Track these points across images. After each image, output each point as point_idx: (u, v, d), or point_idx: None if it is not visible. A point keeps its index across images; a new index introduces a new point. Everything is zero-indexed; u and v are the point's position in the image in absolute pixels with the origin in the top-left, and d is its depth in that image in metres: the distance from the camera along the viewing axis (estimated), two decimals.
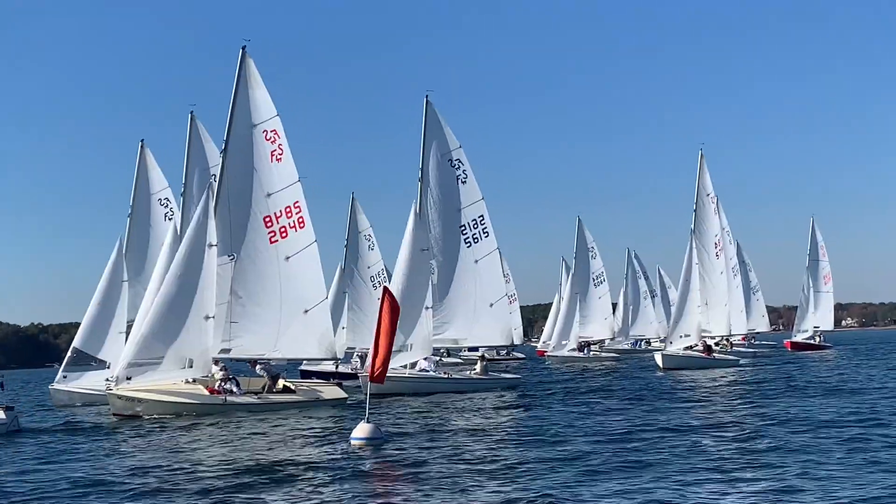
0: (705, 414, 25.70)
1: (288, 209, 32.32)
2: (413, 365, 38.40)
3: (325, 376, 46.81)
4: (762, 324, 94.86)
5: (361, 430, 20.88)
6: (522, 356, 79.81)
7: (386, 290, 22.07)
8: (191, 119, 37.82)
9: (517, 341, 78.24)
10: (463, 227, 41.45)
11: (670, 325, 53.01)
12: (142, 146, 39.30)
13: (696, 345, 52.76)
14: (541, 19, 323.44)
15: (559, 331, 68.72)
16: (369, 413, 21.58)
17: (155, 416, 28.83)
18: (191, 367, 30.13)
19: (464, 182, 41.60)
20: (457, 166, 41.55)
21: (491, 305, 41.49)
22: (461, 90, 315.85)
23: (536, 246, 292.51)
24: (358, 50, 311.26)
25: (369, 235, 53.09)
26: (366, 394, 22.78)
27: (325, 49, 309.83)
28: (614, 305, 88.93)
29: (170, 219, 38.00)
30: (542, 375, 51.67)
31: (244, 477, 16.52)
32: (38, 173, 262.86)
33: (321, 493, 14.93)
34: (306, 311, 32.59)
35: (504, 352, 79.04)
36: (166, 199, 38.76)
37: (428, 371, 38.62)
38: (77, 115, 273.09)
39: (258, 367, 32.08)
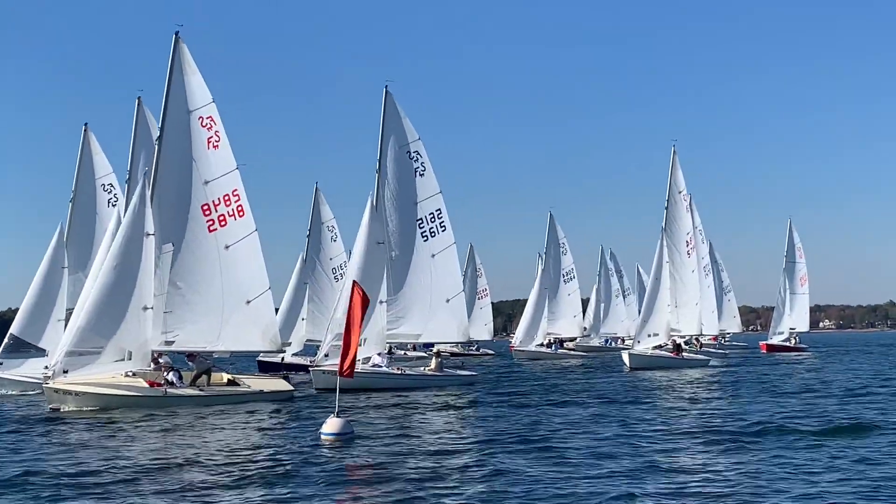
0: (638, 414, 25.36)
1: (226, 197, 31.70)
2: (366, 360, 37.64)
3: (284, 368, 46.47)
4: (734, 324, 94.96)
5: (331, 426, 20.65)
6: (492, 352, 79.47)
7: (355, 284, 22.00)
8: (137, 104, 37.02)
9: (487, 337, 77.79)
10: (420, 221, 40.77)
11: (638, 323, 52.45)
12: (85, 130, 38.21)
13: (666, 344, 52.29)
14: (516, 11, 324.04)
15: (526, 327, 67.80)
16: (339, 407, 21.50)
17: (92, 409, 27.78)
18: (129, 359, 29.37)
19: (422, 175, 40.91)
20: (415, 159, 40.84)
21: (447, 301, 40.84)
22: (441, 81, 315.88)
23: (518, 240, 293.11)
24: (322, 37, 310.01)
25: (332, 226, 52.13)
26: (335, 389, 22.42)
27: (287, 38, 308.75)
28: (586, 301, 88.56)
29: (114, 205, 37.03)
30: (500, 371, 51.31)
31: (182, 473, 16.04)
32: None
33: (269, 490, 14.59)
34: (248, 302, 32.00)
35: (473, 347, 78.58)
36: (110, 184, 37.74)
37: (381, 367, 38.05)
38: (18, 98, 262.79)
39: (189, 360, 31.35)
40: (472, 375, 41.04)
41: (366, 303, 21.04)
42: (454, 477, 15.63)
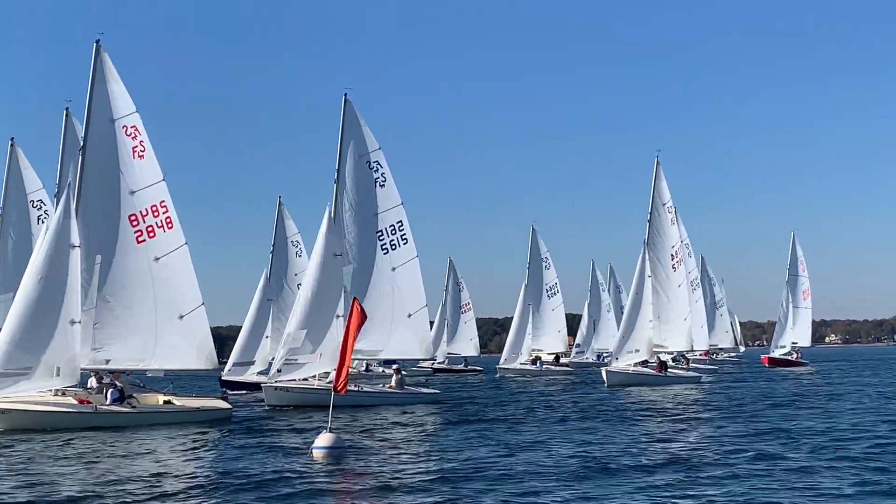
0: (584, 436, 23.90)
1: (154, 208, 30.68)
2: (327, 375, 35.83)
3: (248, 387, 44.92)
4: (726, 339, 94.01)
5: (323, 440, 20.65)
6: (480, 368, 77.36)
7: (355, 300, 21.80)
8: (66, 115, 35.63)
9: (473, 352, 75.80)
10: (380, 233, 39.07)
11: (617, 339, 50.56)
12: (12, 144, 37.10)
13: (651, 361, 50.34)
14: (496, 19, 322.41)
15: (511, 343, 66.09)
16: (331, 423, 21.62)
17: (18, 428, 26.47)
18: (58, 375, 28.04)
19: (382, 185, 39.20)
20: (375, 169, 39.17)
21: (409, 316, 39.14)
22: (419, 90, 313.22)
23: (507, 254, 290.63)
24: (281, 45, 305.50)
25: (297, 241, 50.41)
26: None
27: (242, 47, 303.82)
28: (576, 317, 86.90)
29: (43, 222, 35.31)
30: (474, 388, 49.89)
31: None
32: None
33: None
34: (181, 317, 30.83)
35: (462, 363, 76.90)
36: (40, 200, 36.41)
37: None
38: None
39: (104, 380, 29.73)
40: (434, 393, 39.19)
41: (363, 319, 20.95)
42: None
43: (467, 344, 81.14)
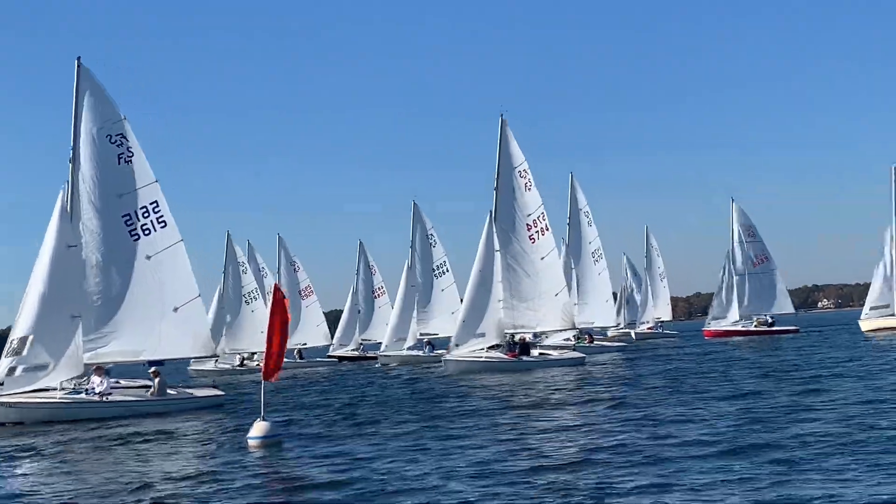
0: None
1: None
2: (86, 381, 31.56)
3: None
4: (666, 312, 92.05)
5: (258, 429, 20.44)
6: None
7: (276, 288, 22.25)
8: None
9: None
10: (127, 217, 34.31)
11: (458, 323, 45.50)
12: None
13: (500, 345, 45.47)
14: None
15: (393, 327, 61.44)
16: (265, 411, 21.23)
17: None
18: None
19: (128, 162, 34.35)
20: (118, 143, 34.34)
21: (175, 310, 34.33)
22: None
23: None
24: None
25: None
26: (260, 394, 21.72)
27: None
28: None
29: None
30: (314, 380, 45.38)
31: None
32: None
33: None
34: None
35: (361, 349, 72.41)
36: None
37: (94, 390, 31.81)
38: None
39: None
40: (215, 396, 33.59)
41: (283, 307, 21.05)
42: None
43: (383, 330, 76.54)
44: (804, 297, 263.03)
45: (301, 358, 70.28)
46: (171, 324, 32.98)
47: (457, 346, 43.90)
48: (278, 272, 72.20)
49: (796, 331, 76.29)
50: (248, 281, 63.46)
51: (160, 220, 33.32)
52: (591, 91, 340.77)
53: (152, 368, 32.75)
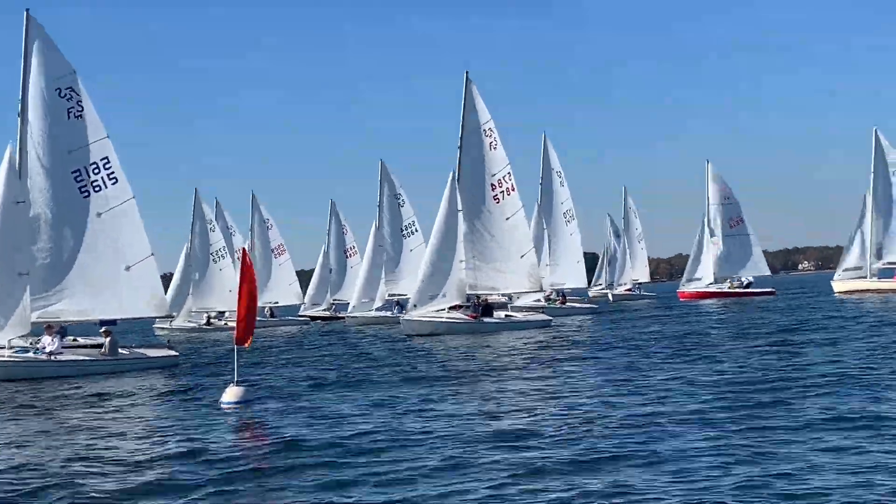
0: None
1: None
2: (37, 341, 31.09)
3: None
4: (644, 273, 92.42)
5: (231, 394, 20.42)
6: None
7: (244, 252, 22.52)
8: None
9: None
10: (77, 173, 33.87)
11: (418, 284, 45.32)
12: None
13: (466, 305, 45.33)
14: None
15: (361, 287, 61.21)
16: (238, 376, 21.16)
17: None
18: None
19: (78, 117, 33.78)
20: (68, 97, 33.77)
21: (128, 269, 33.93)
22: None
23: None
24: None
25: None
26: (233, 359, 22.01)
27: None
28: None
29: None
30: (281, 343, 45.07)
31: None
32: None
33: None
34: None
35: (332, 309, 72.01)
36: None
37: (44, 350, 31.62)
38: None
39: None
40: (169, 357, 33.11)
41: (250, 272, 21.12)
42: None
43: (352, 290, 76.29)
44: (785, 260, 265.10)
45: (272, 316, 70.05)
46: (123, 283, 32.55)
47: (415, 306, 43.31)
48: (251, 230, 71.85)
49: (773, 293, 76.54)
50: (216, 239, 63.13)
51: (111, 176, 32.76)
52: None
53: (103, 328, 32.36)
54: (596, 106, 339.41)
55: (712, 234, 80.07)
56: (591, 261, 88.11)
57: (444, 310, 43.74)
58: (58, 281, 31.96)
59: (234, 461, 13.65)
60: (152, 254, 33.47)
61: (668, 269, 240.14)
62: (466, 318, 43.84)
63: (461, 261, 43.86)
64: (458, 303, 44.17)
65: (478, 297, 45.29)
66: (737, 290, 77.81)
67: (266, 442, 15.46)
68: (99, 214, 32.52)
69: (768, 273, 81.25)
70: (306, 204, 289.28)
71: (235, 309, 61.58)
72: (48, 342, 30.78)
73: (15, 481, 12.79)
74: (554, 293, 63.50)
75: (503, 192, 45.96)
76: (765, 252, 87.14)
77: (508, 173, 46.03)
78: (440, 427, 15.79)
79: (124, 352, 32.52)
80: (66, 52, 32.90)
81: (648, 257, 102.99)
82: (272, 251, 71.74)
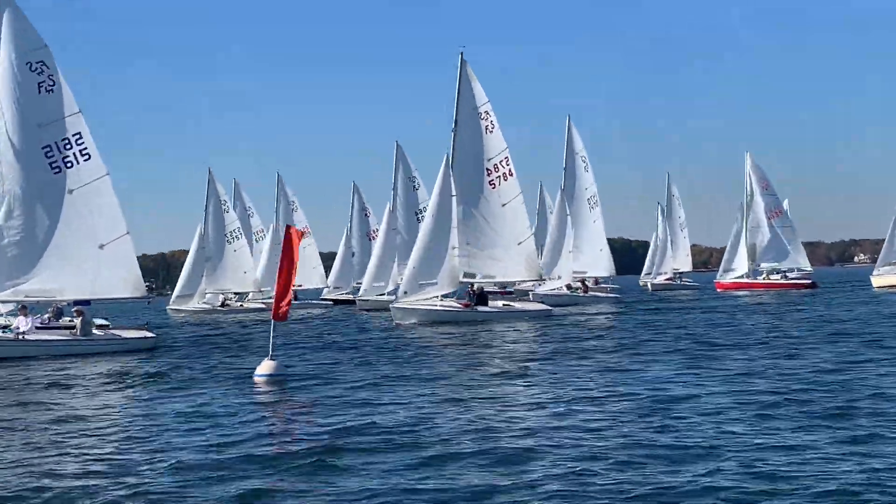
0: None
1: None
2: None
3: None
4: (686, 263, 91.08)
5: (265, 367, 21.25)
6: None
7: (289, 227, 22.69)
8: None
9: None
10: (48, 149, 33.27)
11: (409, 271, 43.84)
12: None
13: (469, 293, 44.66)
14: None
15: (373, 272, 59.06)
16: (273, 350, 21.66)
17: None
18: None
19: (49, 91, 34.06)
20: (39, 70, 34.03)
21: (101, 247, 32.42)
22: None
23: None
24: None
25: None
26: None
27: None
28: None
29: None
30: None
31: None
32: None
33: None
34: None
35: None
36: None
37: (17, 330, 31.88)
38: None
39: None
40: (145, 339, 32.81)
41: (290, 246, 21.56)
42: None
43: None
44: (842, 252, 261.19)
45: (296, 299, 70.47)
46: (97, 262, 32.29)
47: (406, 293, 42.22)
48: (276, 211, 72.41)
49: (813, 285, 74.93)
50: (231, 220, 63.50)
51: (84, 152, 32.45)
52: None
53: (75, 307, 32.07)
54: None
55: (749, 226, 78.88)
56: (622, 247, 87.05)
57: (437, 297, 43.34)
58: (29, 259, 31.64)
59: None
60: (127, 232, 33.07)
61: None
62: (459, 306, 43.53)
63: (454, 247, 43.46)
64: (449, 290, 43.63)
65: (472, 285, 44.97)
66: (774, 281, 76.56)
67: None
68: (71, 191, 32.24)
69: (807, 265, 79.45)
70: (331, 187, 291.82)
71: (250, 291, 62.24)
72: (22, 322, 30.76)
73: None
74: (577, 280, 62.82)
75: (500, 176, 45.38)
76: (821, 244, 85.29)
77: (506, 158, 45.41)
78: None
79: (98, 333, 32.14)
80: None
81: (702, 246, 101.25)
82: None
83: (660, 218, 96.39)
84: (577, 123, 64.49)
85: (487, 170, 44.84)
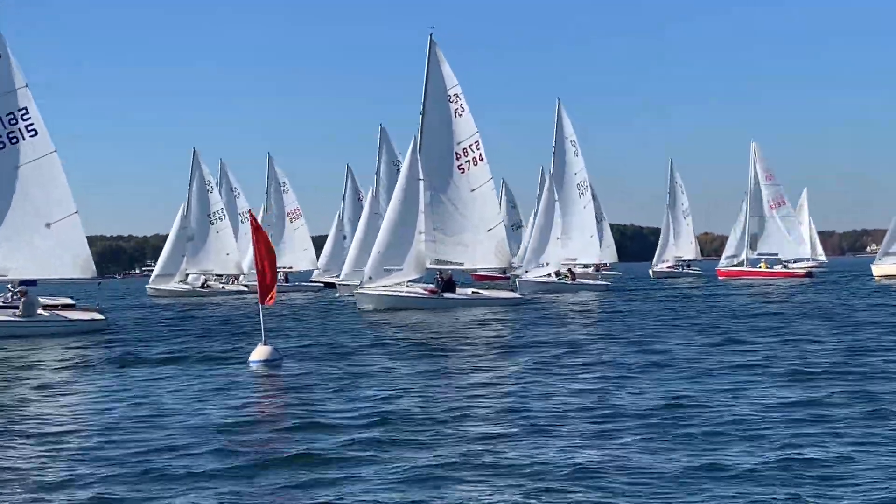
0: None
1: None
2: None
3: None
4: (690, 251, 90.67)
5: (259, 353, 21.16)
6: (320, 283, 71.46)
7: (251, 214, 23.97)
8: None
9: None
10: None
11: (372, 256, 41.74)
12: None
13: (436, 279, 44.42)
14: None
15: (353, 256, 60.14)
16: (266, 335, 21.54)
17: None
18: None
19: None
20: None
21: (48, 225, 31.94)
22: None
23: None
24: None
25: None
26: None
27: None
28: None
29: None
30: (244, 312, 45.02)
31: None
32: None
33: None
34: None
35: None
36: None
37: None
38: None
39: None
40: (94, 321, 32.09)
41: (262, 234, 21.80)
42: None
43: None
44: (854, 241, 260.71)
45: (287, 282, 70.48)
46: (43, 241, 31.77)
47: (370, 278, 41.51)
48: (267, 192, 72.33)
49: (810, 275, 74.54)
50: (215, 200, 63.44)
51: (30, 128, 31.84)
52: None
53: (20, 287, 31.49)
54: None
55: (752, 215, 78.53)
56: (633, 234, 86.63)
57: (403, 283, 43.02)
58: None
59: None
60: (76, 211, 32.46)
61: None
62: (425, 293, 43.19)
63: (420, 232, 43.06)
64: (415, 276, 43.28)
65: (440, 271, 44.63)
66: (773, 270, 76.44)
67: None
68: (17, 167, 31.67)
69: (808, 255, 78.91)
70: (323, 168, 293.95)
71: (233, 273, 62.33)
72: None
73: None
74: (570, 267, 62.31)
75: (469, 161, 44.77)
76: (833, 233, 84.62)
77: (476, 142, 44.86)
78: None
79: (44, 314, 31.44)
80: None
81: (714, 234, 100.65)
82: (287, 215, 72.07)
83: (667, 205, 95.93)
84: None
85: (457, 154, 44.19)
